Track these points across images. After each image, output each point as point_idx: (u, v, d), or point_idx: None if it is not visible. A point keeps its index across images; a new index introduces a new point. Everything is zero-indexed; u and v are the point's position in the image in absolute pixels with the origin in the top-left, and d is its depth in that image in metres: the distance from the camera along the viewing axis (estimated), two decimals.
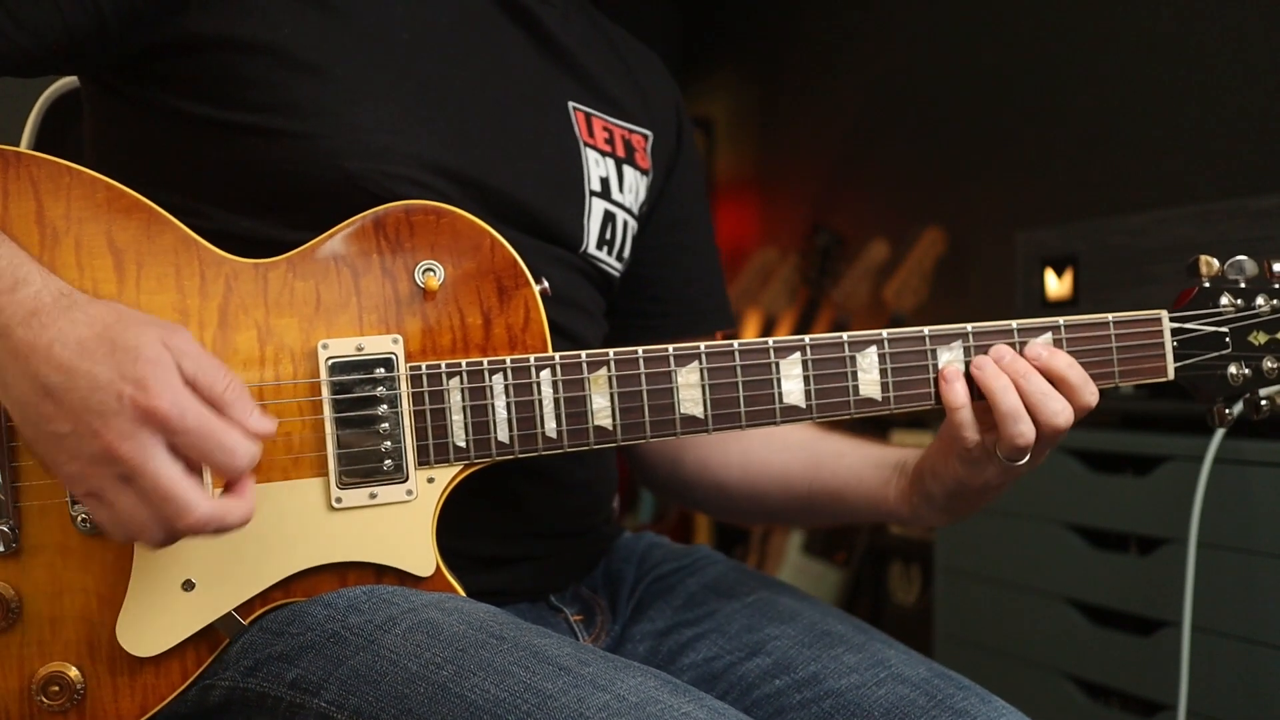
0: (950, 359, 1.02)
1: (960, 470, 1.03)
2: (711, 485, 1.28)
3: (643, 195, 1.24)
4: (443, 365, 0.96)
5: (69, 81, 1.26)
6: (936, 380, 1.02)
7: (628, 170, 1.20)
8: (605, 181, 1.17)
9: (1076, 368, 1.01)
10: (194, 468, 0.82)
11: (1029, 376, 0.99)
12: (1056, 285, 1.87)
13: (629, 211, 1.20)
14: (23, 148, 1.25)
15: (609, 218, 1.17)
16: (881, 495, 1.15)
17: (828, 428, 1.24)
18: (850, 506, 1.18)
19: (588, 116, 1.18)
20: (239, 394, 0.84)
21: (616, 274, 1.20)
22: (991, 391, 0.99)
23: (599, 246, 1.16)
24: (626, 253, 1.21)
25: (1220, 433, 1.52)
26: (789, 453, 1.24)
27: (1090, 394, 1.01)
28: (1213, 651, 1.53)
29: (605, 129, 1.19)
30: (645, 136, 1.25)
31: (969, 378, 1.01)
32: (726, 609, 1.15)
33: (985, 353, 1.01)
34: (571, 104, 1.17)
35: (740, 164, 3.77)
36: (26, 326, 0.81)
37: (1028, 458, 1.00)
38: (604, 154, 1.18)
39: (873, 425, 2.84)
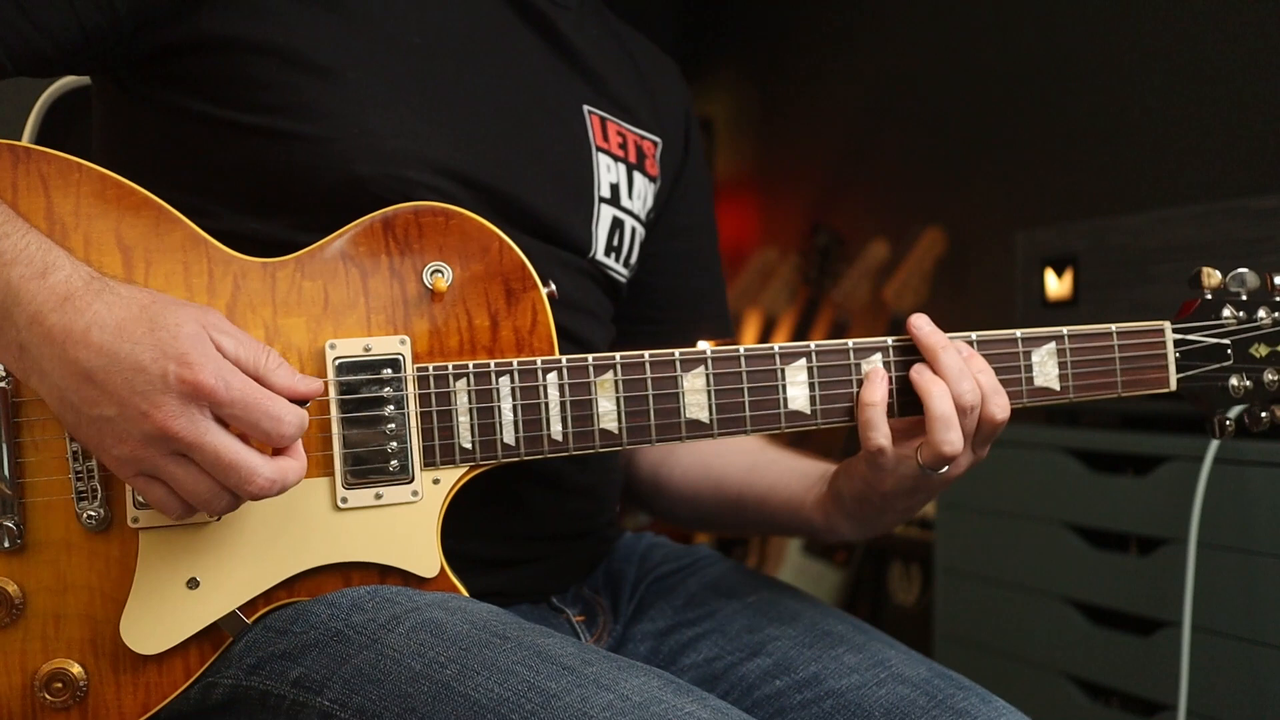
0: None
1: (866, 472, 1.03)
2: (652, 484, 1.31)
3: (650, 202, 1.24)
4: (450, 367, 0.96)
5: (70, 80, 1.26)
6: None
7: (638, 177, 1.20)
8: (615, 188, 1.17)
9: (991, 374, 1.00)
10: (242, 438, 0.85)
11: (947, 349, 0.99)
12: (1056, 285, 1.87)
13: (637, 218, 1.20)
14: None
15: (617, 224, 1.17)
16: (800, 500, 1.15)
17: (778, 441, 1.25)
18: (772, 510, 1.19)
19: (602, 120, 1.18)
20: (278, 362, 0.87)
21: (623, 280, 1.20)
22: (928, 395, 0.98)
23: (607, 253, 1.16)
24: (634, 259, 1.21)
25: None
26: (730, 457, 1.25)
27: (1003, 406, 1.00)
28: (1213, 651, 1.53)
29: (619, 133, 1.19)
30: (655, 143, 1.24)
31: (907, 380, 1.00)
32: (727, 609, 1.15)
33: (989, 360, 1.02)
34: (586, 108, 1.17)
35: (740, 164, 3.77)
36: (60, 311, 0.82)
37: (945, 469, 0.99)
38: (616, 159, 1.18)
39: None
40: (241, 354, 0.85)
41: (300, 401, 0.88)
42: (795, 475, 1.18)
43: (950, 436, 0.97)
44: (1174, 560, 1.58)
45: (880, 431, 0.99)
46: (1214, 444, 1.52)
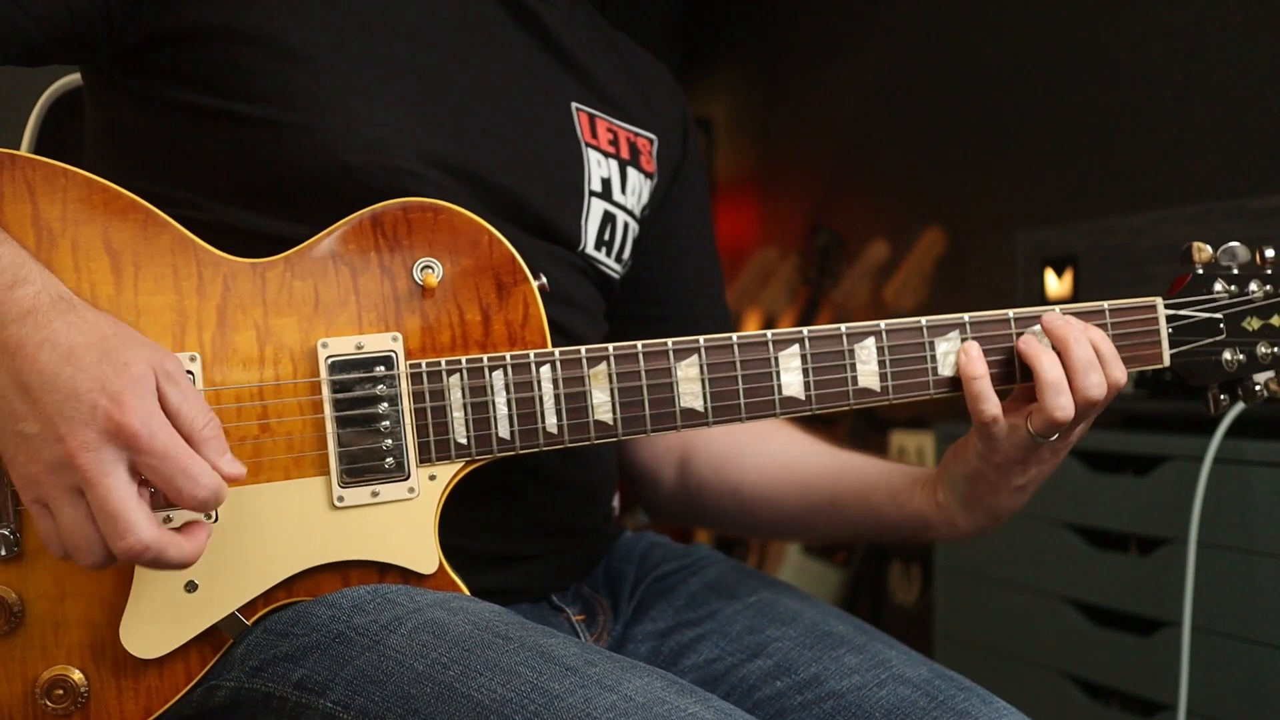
0: (947, 349, 1.03)
1: (979, 445, 1.04)
2: (727, 489, 1.28)
3: (645, 198, 1.24)
4: (442, 362, 0.96)
5: (70, 80, 1.26)
6: (935, 370, 1.03)
7: (631, 172, 1.20)
8: (607, 182, 1.17)
9: (1109, 342, 1.03)
10: (157, 501, 0.83)
11: (1080, 341, 1.01)
12: (1056, 285, 1.87)
13: (630, 213, 1.20)
14: (24, 147, 1.25)
15: (609, 218, 1.17)
16: (909, 493, 1.15)
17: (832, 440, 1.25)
18: (876, 506, 1.18)
19: (591, 117, 1.18)
20: (215, 434, 0.84)
21: (616, 275, 1.20)
22: (1039, 364, 1.00)
23: (597, 247, 1.16)
24: (626, 254, 1.21)
25: (1220, 432, 1.52)
26: (813, 459, 1.24)
27: (1121, 370, 1.03)
28: (1213, 651, 1.53)
29: (609, 130, 1.19)
30: (650, 140, 1.24)
31: (1014, 351, 1.03)
32: (728, 610, 1.15)
33: (982, 342, 1.03)
34: (574, 104, 1.17)
35: (740, 164, 3.77)
36: (20, 324, 0.82)
37: (1056, 436, 1.01)
38: (607, 155, 1.18)
39: (873, 426, 2.84)
40: (183, 410, 0.82)
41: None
42: (897, 472, 1.17)
43: (1061, 402, 0.99)
44: (1174, 560, 1.58)
45: (991, 401, 1.01)
46: (1214, 444, 1.52)
